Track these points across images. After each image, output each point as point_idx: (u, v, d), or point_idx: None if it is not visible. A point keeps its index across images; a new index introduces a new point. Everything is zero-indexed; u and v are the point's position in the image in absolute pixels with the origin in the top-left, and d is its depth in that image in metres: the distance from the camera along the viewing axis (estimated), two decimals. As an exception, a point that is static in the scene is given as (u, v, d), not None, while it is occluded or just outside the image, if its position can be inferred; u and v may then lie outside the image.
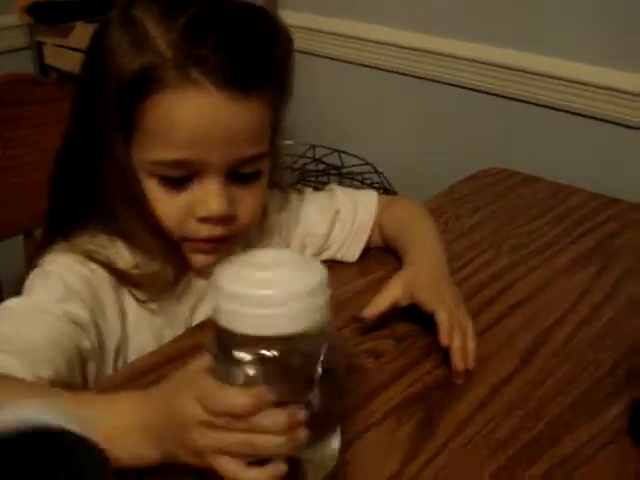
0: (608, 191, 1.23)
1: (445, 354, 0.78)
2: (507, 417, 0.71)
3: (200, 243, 0.78)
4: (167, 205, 0.75)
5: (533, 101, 1.51)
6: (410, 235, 0.95)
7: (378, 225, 1.00)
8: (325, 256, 0.98)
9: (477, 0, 1.55)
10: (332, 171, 1.83)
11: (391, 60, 1.73)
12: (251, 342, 0.56)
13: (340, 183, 1.81)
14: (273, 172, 0.85)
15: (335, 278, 0.93)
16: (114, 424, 0.58)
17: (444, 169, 1.45)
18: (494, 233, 1.07)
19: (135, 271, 0.78)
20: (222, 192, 0.75)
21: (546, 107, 1.49)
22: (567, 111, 1.47)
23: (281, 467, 0.55)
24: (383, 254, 1.00)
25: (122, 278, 0.78)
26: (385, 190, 1.75)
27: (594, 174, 1.38)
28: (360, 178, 1.81)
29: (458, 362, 0.76)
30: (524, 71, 1.49)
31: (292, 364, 0.58)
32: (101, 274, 0.78)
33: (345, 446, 0.67)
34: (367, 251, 1.00)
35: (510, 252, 1.02)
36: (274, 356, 0.56)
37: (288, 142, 1.96)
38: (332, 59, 1.86)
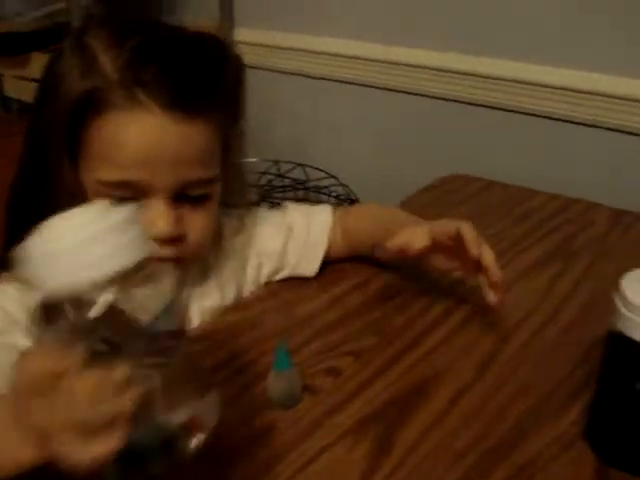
0: (567, 191, 1.24)
1: (407, 364, 0.78)
2: (465, 428, 0.71)
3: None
4: None
5: (491, 105, 1.51)
6: (392, 216, 0.97)
7: (343, 233, 1.00)
8: (284, 274, 0.98)
9: (431, 8, 1.56)
10: (298, 185, 1.83)
11: (348, 72, 1.74)
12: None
13: (306, 197, 1.81)
14: (227, 194, 0.85)
15: (296, 295, 0.95)
16: None
17: (406, 178, 1.45)
18: (453, 241, 1.07)
19: None
20: (168, 213, 0.75)
21: (502, 109, 1.50)
22: (519, 112, 1.48)
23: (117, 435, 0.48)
24: (344, 269, 1.00)
25: None
26: (351, 201, 1.76)
27: (552, 175, 1.39)
28: (326, 191, 1.81)
29: (496, 271, 0.81)
30: (478, 75, 1.50)
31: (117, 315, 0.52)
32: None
33: (302, 468, 0.66)
34: (328, 266, 1.00)
35: (469, 259, 1.02)
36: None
37: (252, 159, 1.96)
38: (291, 74, 1.86)
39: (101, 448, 0.48)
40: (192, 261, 0.81)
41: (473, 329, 0.87)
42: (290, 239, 0.98)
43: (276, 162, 1.88)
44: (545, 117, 1.45)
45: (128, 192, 0.74)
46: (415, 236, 0.84)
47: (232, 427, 0.72)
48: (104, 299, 0.50)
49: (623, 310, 0.61)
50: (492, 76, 1.48)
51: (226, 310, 0.90)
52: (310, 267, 0.99)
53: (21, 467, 0.53)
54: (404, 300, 0.93)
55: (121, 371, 0.48)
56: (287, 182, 1.86)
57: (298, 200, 1.86)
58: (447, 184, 1.28)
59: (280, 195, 1.83)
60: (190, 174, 0.75)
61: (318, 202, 1.83)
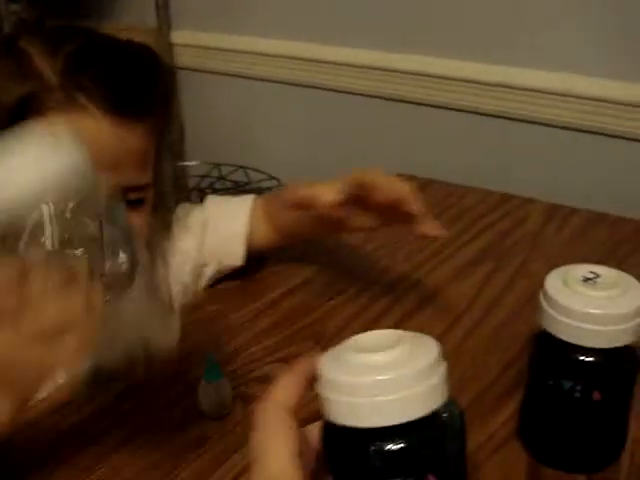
0: (504, 188, 1.24)
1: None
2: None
3: None
4: None
5: (428, 103, 1.52)
6: None
7: (267, 219, 0.98)
8: (211, 269, 0.97)
9: (363, 6, 1.56)
10: (239, 188, 1.81)
11: (287, 73, 1.72)
12: None
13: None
14: (156, 198, 0.84)
15: (230, 301, 0.94)
16: None
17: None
18: (389, 240, 1.07)
19: None
20: None
21: (439, 107, 1.51)
22: (460, 110, 1.48)
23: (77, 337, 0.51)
24: (280, 272, 0.99)
25: None
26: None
27: (488, 172, 1.40)
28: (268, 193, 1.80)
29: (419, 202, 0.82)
30: (410, 73, 1.51)
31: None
32: None
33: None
34: (265, 269, 0.99)
35: (404, 259, 1.02)
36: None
37: (192, 163, 1.95)
38: (230, 75, 1.85)
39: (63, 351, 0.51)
40: None
41: (411, 328, 0.86)
42: (206, 235, 0.97)
43: (217, 165, 1.86)
44: (478, 113, 1.45)
45: None
46: (322, 189, 0.85)
47: (163, 439, 0.71)
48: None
49: (547, 308, 0.62)
50: (423, 73, 1.49)
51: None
52: (235, 258, 0.97)
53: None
54: (339, 303, 0.92)
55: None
56: (229, 185, 1.84)
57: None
58: (384, 184, 1.27)
59: (221, 198, 1.82)
60: (127, 179, 0.76)
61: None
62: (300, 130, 1.78)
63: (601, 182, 1.37)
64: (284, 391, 0.47)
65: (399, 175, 1.28)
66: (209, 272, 0.97)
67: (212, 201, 1.03)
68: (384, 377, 0.43)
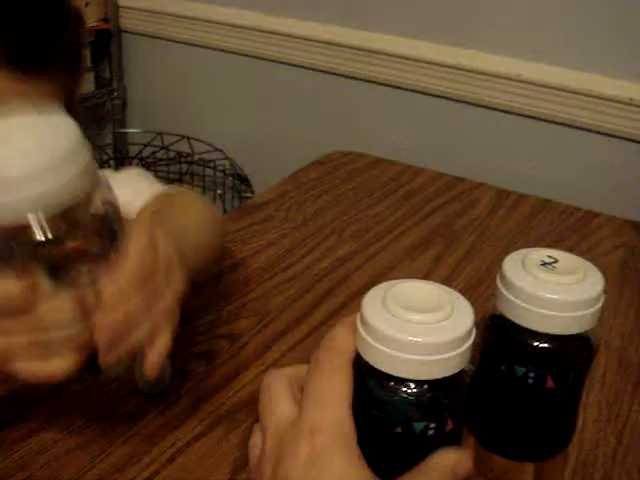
0: (455, 171, 1.23)
1: (284, 348, 0.75)
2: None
3: None
4: None
5: (378, 81, 1.50)
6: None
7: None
8: None
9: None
10: (182, 159, 1.77)
11: (235, 42, 1.69)
12: None
13: (191, 171, 1.75)
14: None
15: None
16: None
17: (293, 153, 1.42)
18: (337, 219, 1.05)
19: None
20: None
21: (389, 86, 1.49)
22: (413, 90, 1.47)
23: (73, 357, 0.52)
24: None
25: None
26: (238, 176, 1.71)
27: (439, 154, 1.38)
28: (212, 165, 1.76)
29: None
30: (371, 51, 1.49)
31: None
32: None
33: (171, 459, 0.63)
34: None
35: (352, 238, 1.00)
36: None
37: (135, 130, 1.89)
38: (176, 42, 1.80)
39: (60, 365, 0.51)
40: None
41: (357, 309, 0.84)
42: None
43: (160, 134, 1.81)
44: (434, 95, 1.44)
45: None
46: None
47: (97, 416, 0.67)
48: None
49: (504, 291, 0.60)
50: (377, 51, 1.47)
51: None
52: None
53: None
54: (283, 280, 0.89)
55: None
56: (171, 155, 1.80)
57: (183, 174, 1.80)
58: (334, 160, 1.25)
59: (164, 168, 1.77)
60: None
61: (203, 176, 1.78)
62: (247, 102, 1.74)
63: (549, 170, 1.37)
64: (344, 342, 0.52)
65: (350, 152, 1.27)
66: None
67: (123, 174, 0.91)
68: (425, 340, 0.50)
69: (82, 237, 0.53)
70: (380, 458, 0.57)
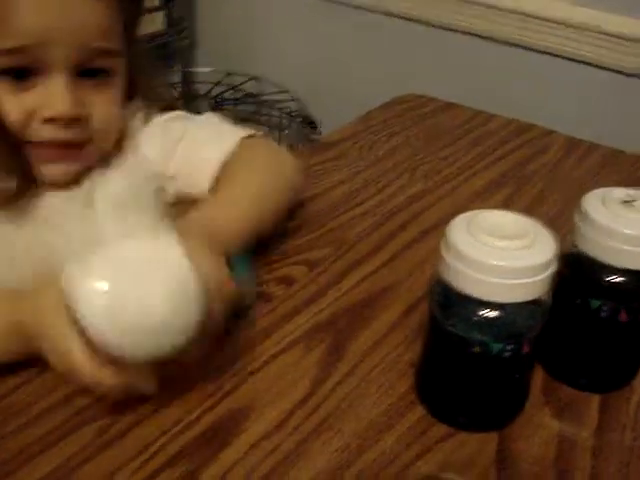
0: (526, 118, 1.24)
1: (359, 277, 0.78)
2: (415, 342, 0.71)
3: (48, 150, 0.72)
4: (10, 104, 0.69)
5: (454, 28, 1.50)
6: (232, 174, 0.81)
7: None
8: (172, 187, 0.83)
9: None
10: (249, 99, 1.79)
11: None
12: None
13: (257, 111, 1.78)
14: (139, 85, 0.80)
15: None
16: None
17: (362, 96, 1.43)
18: (409, 159, 1.07)
19: None
20: (68, 90, 0.69)
21: (468, 34, 1.48)
22: (488, 37, 1.46)
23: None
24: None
25: None
26: (303, 118, 1.73)
27: (513, 100, 1.38)
28: (279, 106, 1.78)
29: None
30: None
31: None
32: None
33: (254, 374, 0.66)
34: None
35: (424, 178, 1.02)
36: None
37: (204, 69, 1.92)
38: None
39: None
40: (94, 149, 0.75)
41: (429, 244, 0.86)
42: (177, 150, 0.83)
43: (229, 74, 1.84)
44: (510, 44, 1.44)
45: (22, 59, 0.67)
46: None
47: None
48: None
49: (582, 227, 0.62)
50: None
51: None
52: (199, 186, 0.82)
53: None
54: (358, 214, 0.92)
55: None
56: (239, 95, 1.82)
57: (250, 114, 1.83)
58: (404, 103, 1.26)
59: (231, 108, 1.80)
60: (90, 41, 0.70)
61: (270, 117, 1.80)
62: (316, 45, 1.75)
63: (620, 121, 1.36)
64: None
65: (421, 96, 1.28)
66: (172, 188, 0.83)
67: (199, 119, 0.89)
68: (508, 264, 0.53)
69: None
70: (456, 377, 0.61)
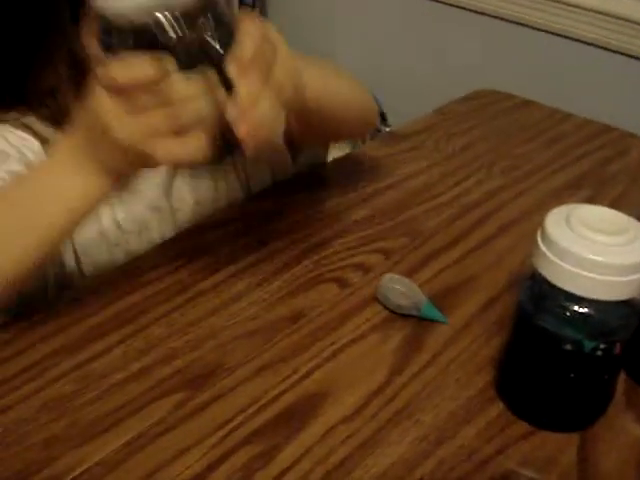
0: (602, 119, 1.21)
1: (436, 269, 0.77)
2: (495, 336, 0.70)
3: None
4: None
5: (532, 25, 1.47)
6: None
7: None
8: None
9: None
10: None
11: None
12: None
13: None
14: None
15: (324, 189, 0.93)
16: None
17: (437, 89, 1.42)
18: (486, 154, 1.05)
19: None
20: None
21: (547, 32, 1.46)
22: (567, 37, 1.44)
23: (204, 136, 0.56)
24: (374, 170, 0.98)
25: None
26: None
27: (589, 101, 1.36)
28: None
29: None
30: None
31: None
32: (35, 147, 0.73)
33: (330, 359, 0.66)
34: (358, 166, 0.98)
35: (502, 173, 1.00)
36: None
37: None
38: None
39: (192, 146, 0.56)
40: None
41: (507, 240, 0.85)
42: None
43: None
44: (590, 44, 1.41)
45: None
46: None
47: (259, 312, 0.71)
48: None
49: None
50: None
51: (251, 197, 0.89)
52: None
53: (91, 200, 0.62)
54: (434, 206, 0.91)
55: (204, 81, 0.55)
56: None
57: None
58: (480, 98, 1.24)
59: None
60: None
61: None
62: (388, 36, 1.73)
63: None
64: None
65: (499, 92, 1.26)
66: None
67: None
68: (608, 260, 0.52)
69: (202, 37, 0.56)
70: (542, 374, 0.59)
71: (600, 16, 1.37)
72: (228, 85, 0.56)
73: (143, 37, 0.54)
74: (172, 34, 0.54)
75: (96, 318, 0.69)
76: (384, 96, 1.72)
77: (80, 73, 0.69)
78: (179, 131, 0.56)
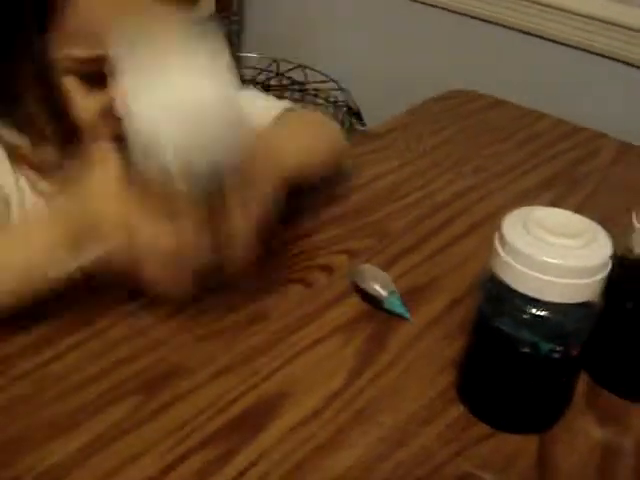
0: (574, 119, 1.21)
1: (402, 269, 0.77)
2: (458, 337, 0.69)
3: None
4: (85, 102, 0.70)
5: (506, 24, 1.47)
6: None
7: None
8: None
9: None
10: (295, 87, 1.78)
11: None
12: None
13: (303, 99, 1.77)
14: None
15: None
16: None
17: (409, 89, 1.42)
18: (456, 154, 1.05)
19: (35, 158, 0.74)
20: None
21: (519, 31, 1.46)
22: (540, 36, 1.44)
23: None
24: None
25: (23, 160, 0.74)
26: (349, 108, 1.72)
27: (561, 101, 1.36)
28: (324, 95, 1.77)
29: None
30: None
31: None
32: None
33: (291, 360, 0.65)
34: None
35: (472, 173, 1.00)
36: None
37: (251, 55, 1.91)
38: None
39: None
40: None
41: (475, 240, 0.85)
42: None
43: (275, 60, 1.83)
44: (563, 44, 1.41)
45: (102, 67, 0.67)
46: None
47: (221, 313, 0.70)
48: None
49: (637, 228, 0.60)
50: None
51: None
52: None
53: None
54: (402, 206, 0.91)
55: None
56: (285, 82, 1.81)
57: (295, 102, 1.81)
58: (453, 98, 1.24)
59: (277, 95, 1.79)
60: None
61: (315, 106, 1.79)
62: (365, 36, 1.73)
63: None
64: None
65: (471, 91, 1.26)
66: None
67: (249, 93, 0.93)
68: (564, 263, 0.52)
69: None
70: (500, 376, 0.59)
71: (574, 16, 1.37)
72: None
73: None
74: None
75: (54, 320, 0.68)
76: (361, 95, 1.72)
77: (45, 82, 0.69)
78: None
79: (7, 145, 0.73)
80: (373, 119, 1.58)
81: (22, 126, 0.72)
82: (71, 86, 0.69)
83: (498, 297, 0.55)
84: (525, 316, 0.54)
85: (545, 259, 0.52)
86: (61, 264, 0.62)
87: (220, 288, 0.68)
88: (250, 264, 0.63)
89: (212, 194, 0.59)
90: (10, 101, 0.72)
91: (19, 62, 0.70)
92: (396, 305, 0.71)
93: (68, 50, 0.68)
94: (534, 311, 0.53)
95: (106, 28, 0.64)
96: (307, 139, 0.84)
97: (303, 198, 0.83)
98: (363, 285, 0.73)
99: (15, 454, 0.55)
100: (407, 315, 0.71)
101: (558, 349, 0.55)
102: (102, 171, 0.61)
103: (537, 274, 0.52)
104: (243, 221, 0.62)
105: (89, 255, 0.60)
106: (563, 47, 1.42)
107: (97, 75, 0.68)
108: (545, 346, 0.54)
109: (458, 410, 0.62)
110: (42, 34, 0.68)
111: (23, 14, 0.68)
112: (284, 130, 0.82)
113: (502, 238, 0.55)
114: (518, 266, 0.53)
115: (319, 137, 0.88)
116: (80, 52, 0.67)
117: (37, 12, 0.68)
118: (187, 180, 0.57)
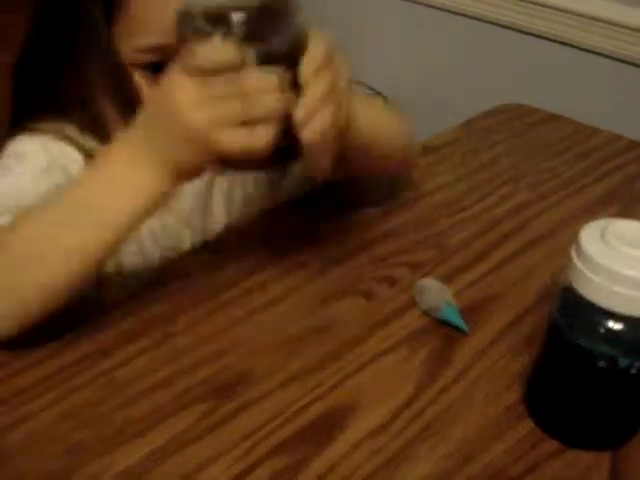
0: (629, 134, 1.20)
1: (464, 283, 0.76)
2: (523, 352, 0.68)
3: None
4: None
5: (557, 39, 1.46)
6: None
7: None
8: None
9: None
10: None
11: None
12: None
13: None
14: None
15: (351, 201, 0.92)
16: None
17: (461, 103, 1.41)
18: (513, 168, 1.04)
19: None
20: None
21: (571, 46, 1.45)
22: (591, 51, 1.43)
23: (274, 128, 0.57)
24: (400, 184, 0.97)
25: None
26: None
27: (616, 116, 1.34)
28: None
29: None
30: (550, 7, 1.45)
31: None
32: (73, 157, 0.74)
33: (357, 372, 0.65)
34: (381, 179, 0.97)
35: (529, 188, 0.99)
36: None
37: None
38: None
39: (259, 138, 0.56)
40: None
41: (535, 255, 0.84)
42: None
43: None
44: (617, 59, 1.40)
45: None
46: None
47: (286, 323, 0.70)
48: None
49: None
50: (567, 10, 1.43)
51: (278, 208, 0.89)
52: None
53: (155, 197, 0.61)
54: (461, 219, 0.90)
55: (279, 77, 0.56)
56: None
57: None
58: (506, 112, 1.23)
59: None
60: None
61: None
62: (412, 50, 1.73)
63: None
64: None
65: (525, 106, 1.26)
66: None
67: None
68: None
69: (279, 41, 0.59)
70: (573, 391, 0.58)
71: (629, 32, 1.36)
72: (298, 87, 0.58)
73: (220, 31, 0.56)
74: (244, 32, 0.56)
75: (122, 325, 0.68)
76: (411, 109, 1.71)
77: (115, 79, 0.70)
78: (248, 122, 0.56)
79: (82, 148, 0.73)
80: (422, 134, 1.57)
81: (92, 127, 0.73)
82: (141, 80, 0.70)
83: (574, 310, 0.54)
84: (603, 330, 0.53)
85: (625, 272, 0.51)
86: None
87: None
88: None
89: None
90: (80, 103, 0.72)
91: (88, 61, 0.71)
92: (453, 316, 0.70)
93: (134, 41, 0.69)
94: (612, 325, 0.52)
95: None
96: (384, 120, 0.84)
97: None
98: (422, 297, 0.72)
99: (81, 461, 0.56)
100: (464, 327, 0.70)
101: (636, 364, 0.54)
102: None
103: (616, 287, 0.51)
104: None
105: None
106: (619, 63, 1.41)
107: (162, 66, 0.68)
108: (623, 361, 0.53)
109: (527, 425, 0.61)
110: (109, 29, 0.69)
111: (92, 9, 0.69)
112: (367, 100, 0.82)
113: (579, 250, 0.54)
114: (596, 279, 0.52)
115: (396, 126, 0.87)
116: (146, 41, 0.69)
117: (104, 5, 0.69)
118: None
